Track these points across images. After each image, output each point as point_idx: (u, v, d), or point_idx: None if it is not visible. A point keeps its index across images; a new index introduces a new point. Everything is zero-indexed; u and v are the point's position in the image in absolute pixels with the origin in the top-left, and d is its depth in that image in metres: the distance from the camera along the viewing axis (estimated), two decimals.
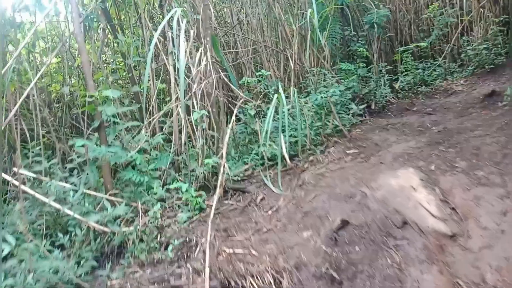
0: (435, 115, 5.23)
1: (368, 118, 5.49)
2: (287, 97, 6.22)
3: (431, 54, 8.09)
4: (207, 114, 3.97)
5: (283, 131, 4.47)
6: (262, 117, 4.79)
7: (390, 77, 6.65)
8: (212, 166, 3.63)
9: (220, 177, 3.33)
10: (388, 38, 7.32)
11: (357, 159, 3.88)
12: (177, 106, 3.86)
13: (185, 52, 3.66)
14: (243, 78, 6.60)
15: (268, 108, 4.14)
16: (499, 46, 7.44)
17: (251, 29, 6.32)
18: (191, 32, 3.89)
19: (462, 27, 7.77)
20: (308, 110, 4.50)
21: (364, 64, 5.90)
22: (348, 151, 4.15)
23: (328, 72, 5.80)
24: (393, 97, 6.29)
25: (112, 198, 3.37)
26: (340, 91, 5.02)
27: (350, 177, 3.27)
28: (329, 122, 4.67)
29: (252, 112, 4.52)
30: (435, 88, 6.95)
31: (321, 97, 4.70)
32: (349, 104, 5.27)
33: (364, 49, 5.57)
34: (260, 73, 5.27)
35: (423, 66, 7.71)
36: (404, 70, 7.34)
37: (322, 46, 5.65)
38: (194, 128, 3.69)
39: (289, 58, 5.76)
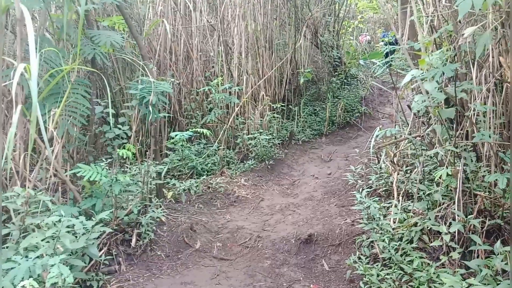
0: (229, 270, 3.23)
1: (123, 272, 2.95)
2: None
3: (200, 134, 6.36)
4: None
5: None
6: None
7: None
8: None
9: None
10: None
11: None
12: None
13: None
14: None
15: None
16: (275, 136, 6.46)
17: None
18: None
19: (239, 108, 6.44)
20: None
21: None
22: None
23: None
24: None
25: None
26: None
27: None
28: None
29: None
30: (210, 185, 5.06)
31: None
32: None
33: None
34: None
35: (196, 149, 5.87)
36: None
37: None
38: None
39: None
